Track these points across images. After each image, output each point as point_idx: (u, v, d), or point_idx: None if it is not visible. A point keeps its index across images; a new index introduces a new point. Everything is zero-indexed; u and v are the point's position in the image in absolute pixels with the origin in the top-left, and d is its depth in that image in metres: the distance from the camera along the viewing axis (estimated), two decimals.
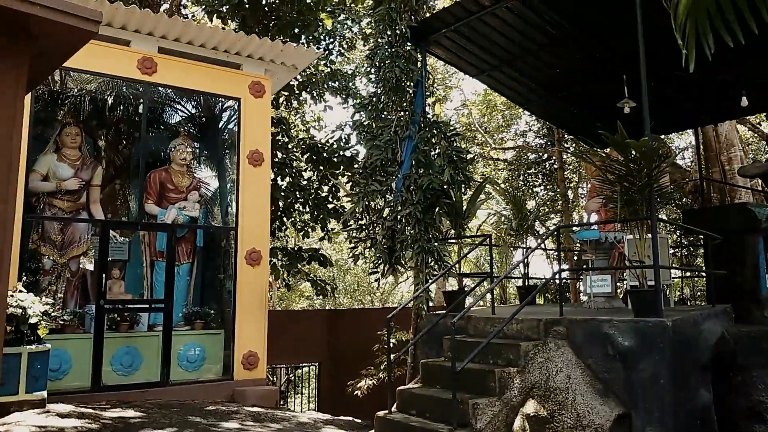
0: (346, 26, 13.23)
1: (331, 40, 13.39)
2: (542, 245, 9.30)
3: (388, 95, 8.18)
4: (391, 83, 8.09)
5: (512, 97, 10.45)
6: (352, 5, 12.65)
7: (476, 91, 21.09)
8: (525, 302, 6.23)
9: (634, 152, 5.81)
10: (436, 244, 7.58)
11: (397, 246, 7.55)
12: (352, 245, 7.83)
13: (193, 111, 9.44)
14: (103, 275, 7.29)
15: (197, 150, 9.50)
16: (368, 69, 8.70)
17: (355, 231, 7.81)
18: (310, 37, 12.18)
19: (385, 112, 8.24)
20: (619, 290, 8.68)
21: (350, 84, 13.30)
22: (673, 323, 5.53)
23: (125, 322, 7.63)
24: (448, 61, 9.58)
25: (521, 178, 17.01)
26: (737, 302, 7.83)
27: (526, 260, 8.39)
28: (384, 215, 7.71)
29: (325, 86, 13.31)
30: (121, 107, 8.64)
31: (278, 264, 12.11)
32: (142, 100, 8.07)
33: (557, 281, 8.39)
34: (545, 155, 17.12)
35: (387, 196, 7.79)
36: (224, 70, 8.35)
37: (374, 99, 8.29)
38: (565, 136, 14.88)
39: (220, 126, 9.48)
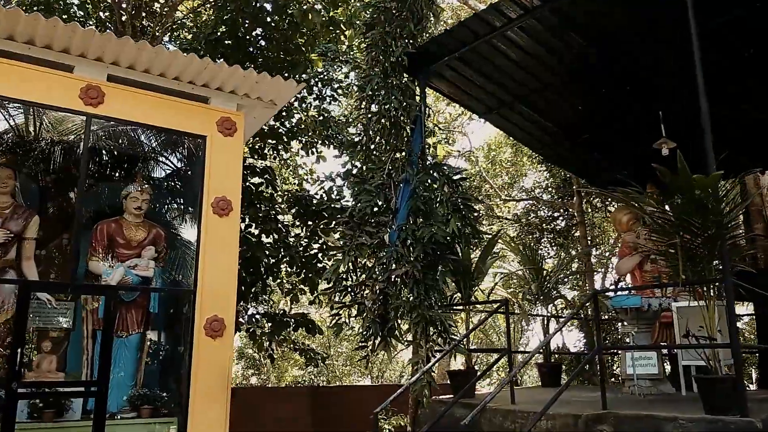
0: (339, 69, 12.14)
1: (323, 86, 12.27)
2: (551, 313, 7.83)
3: (381, 133, 6.88)
4: (386, 118, 6.81)
5: (526, 140, 9.18)
6: (345, 41, 11.57)
7: (486, 139, 19.99)
8: (559, 392, 4.69)
9: (699, 192, 4.42)
10: (439, 311, 6.09)
11: (391, 314, 6.06)
12: (335, 312, 6.34)
13: (153, 151, 8.15)
14: (18, 350, 5.77)
15: (163, 198, 8.20)
16: (359, 102, 7.43)
17: (338, 294, 6.33)
18: (300, 80, 11.06)
19: (378, 153, 6.92)
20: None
21: (344, 132, 12.09)
22: (764, 424, 4.02)
23: (49, 409, 6.07)
24: (451, 96, 8.35)
25: (536, 234, 15.56)
26: None
27: (556, 331, 6.87)
28: (374, 275, 6.25)
29: (316, 133, 12.10)
30: (66, 145, 7.36)
31: (258, 332, 10.57)
32: (83, 137, 6.75)
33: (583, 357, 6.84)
34: (562, 209, 15.76)
35: (378, 251, 6.35)
36: (187, 104, 7.07)
37: (365, 138, 6.99)
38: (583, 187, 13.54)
39: (187, 169, 8.17)
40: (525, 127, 8.56)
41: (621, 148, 8.56)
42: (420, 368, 5.87)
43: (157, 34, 12.44)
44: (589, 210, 15.48)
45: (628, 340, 8.17)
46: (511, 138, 13.54)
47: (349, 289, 6.37)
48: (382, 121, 6.95)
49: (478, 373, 6.22)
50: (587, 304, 8.23)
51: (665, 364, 7.44)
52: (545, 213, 16.76)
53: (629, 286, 8.24)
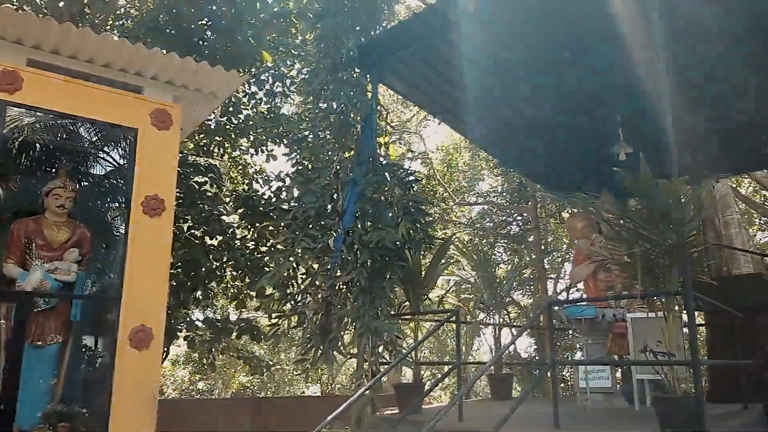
0: (292, 64, 11.65)
1: (275, 81, 11.76)
2: (503, 321, 7.57)
3: (329, 129, 6.46)
4: (335, 114, 6.40)
5: (482, 142, 8.90)
6: (298, 35, 11.05)
7: (442, 142, 19.67)
8: (510, 411, 4.36)
9: (662, 199, 4.16)
10: (385, 321, 5.70)
11: (334, 324, 5.64)
12: (273, 321, 5.88)
13: (81, 145, 7.53)
14: None
15: (92, 196, 7.61)
16: (306, 97, 7.01)
17: (277, 302, 5.87)
18: (246, 72, 10.52)
19: (326, 151, 6.49)
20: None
21: (295, 129, 11.60)
22: None
23: None
24: (404, 94, 8.00)
25: (490, 239, 15.34)
26: (752, 398, 6.13)
27: (509, 345, 6.56)
28: (317, 282, 5.82)
29: (266, 130, 11.58)
30: None
31: (198, 339, 9.99)
32: None
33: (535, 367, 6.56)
34: (517, 214, 15.58)
35: (322, 256, 5.92)
36: (117, 93, 6.47)
37: (311, 134, 6.55)
38: (538, 193, 13.39)
39: (118, 165, 7.59)
40: (482, 128, 8.24)
41: (577, 152, 8.35)
42: (363, 384, 5.46)
43: (97, 21, 11.73)
44: (544, 215, 15.38)
45: (579, 347, 7.97)
46: (467, 141, 13.34)
47: (290, 297, 5.92)
48: (331, 117, 6.54)
49: (426, 388, 5.86)
50: (541, 315, 7.98)
51: (617, 373, 7.25)
52: (499, 218, 16.62)
53: (583, 294, 8.03)
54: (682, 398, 4.17)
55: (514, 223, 16.06)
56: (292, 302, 5.93)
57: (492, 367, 7.78)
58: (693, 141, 7.01)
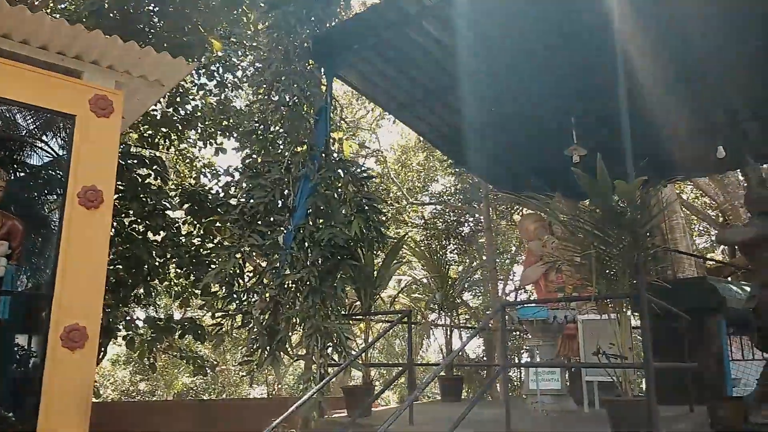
0: (244, 55, 11.30)
1: (225, 71, 11.37)
2: (455, 322, 7.53)
3: (281, 123, 6.23)
4: (287, 107, 6.18)
5: (437, 141, 8.79)
6: (250, 25, 10.70)
7: (397, 140, 19.52)
8: (462, 415, 4.25)
9: (618, 199, 4.13)
10: (336, 322, 5.52)
11: (282, 324, 5.41)
12: (216, 322, 5.61)
13: (15, 131, 7.07)
14: None
15: (29, 187, 7.15)
16: (257, 88, 6.75)
17: (220, 301, 5.60)
18: (194, 60, 10.13)
19: (277, 144, 6.26)
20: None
21: (246, 122, 11.26)
22: None
23: None
24: (361, 89, 7.81)
25: (442, 240, 15.29)
26: (696, 400, 6.23)
27: (462, 347, 6.47)
28: (265, 281, 5.58)
29: (215, 122, 11.20)
30: None
31: (138, 339, 9.55)
32: None
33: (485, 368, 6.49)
34: (469, 215, 15.58)
35: (271, 254, 5.69)
36: (54, 77, 6.08)
37: (262, 126, 6.31)
38: (491, 194, 13.38)
39: (57, 154, 7.15)
40: (438, 127, 8.15)
41: (532, 153, 8.35)
42: (310, 387, 5.24)
43: (37, 3, 11.11)
44: (495, 217, 15.45)
45: (526, 349, 7.95)
46: (422, 140, 13.26)
47: (235, 296, 5.66)
48: (283, 109, 6.30)
49: (376, 392, 5.71)
50: (493, 318, 7.95)
51: (566, 375, 7.26)
52: (452, 218, 16.61)
53: (532, 295, 8.04)
54: (634, 401, 4.15)
55: (466, 224, 16.08)
56: (238, 301, 5.68)
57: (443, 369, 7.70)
58: (645, 144, 7.08)
